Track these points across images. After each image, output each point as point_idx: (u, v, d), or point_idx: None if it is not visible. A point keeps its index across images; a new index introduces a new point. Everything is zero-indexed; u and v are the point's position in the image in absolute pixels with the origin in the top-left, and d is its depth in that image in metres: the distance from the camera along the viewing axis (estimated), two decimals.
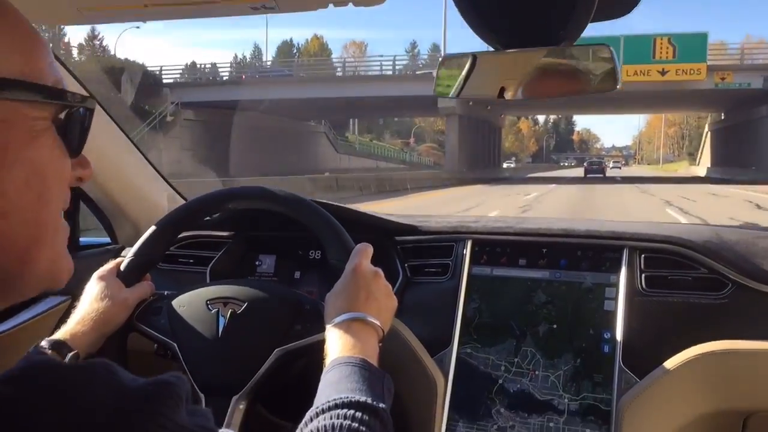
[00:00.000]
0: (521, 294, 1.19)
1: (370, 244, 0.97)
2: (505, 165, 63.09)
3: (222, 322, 0.98)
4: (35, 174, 0.50)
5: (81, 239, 1.58)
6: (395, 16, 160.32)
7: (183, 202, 1.64)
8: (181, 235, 1.22)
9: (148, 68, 35.93)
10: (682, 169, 66.44)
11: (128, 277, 1.03)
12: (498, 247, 1.25)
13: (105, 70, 31.10)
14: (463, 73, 1.00)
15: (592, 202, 18.34)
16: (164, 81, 36.01)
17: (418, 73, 37.83)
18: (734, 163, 38.38)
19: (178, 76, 40.15)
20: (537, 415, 1.10)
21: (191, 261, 1.42)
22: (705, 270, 1.14)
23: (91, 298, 0.99)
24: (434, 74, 1.02)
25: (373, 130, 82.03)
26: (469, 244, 1.26)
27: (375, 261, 0.96)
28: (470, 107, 35.01)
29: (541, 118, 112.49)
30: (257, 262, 1.40)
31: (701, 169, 50.26)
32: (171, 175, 1.79)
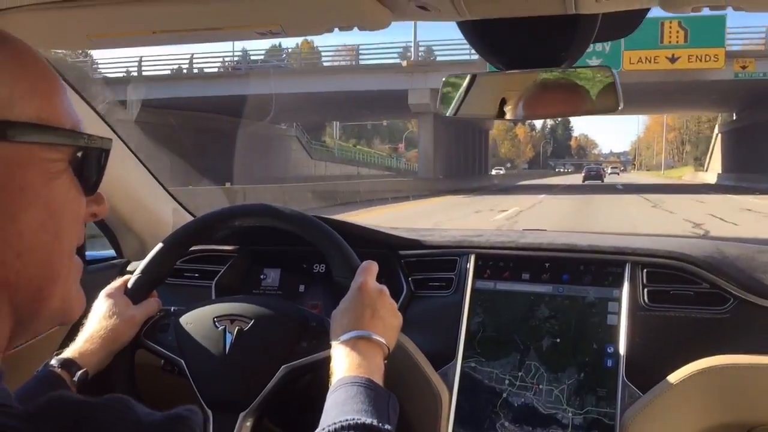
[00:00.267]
0: (524, 308, 1.20)
1: (374, 259, 0.98)
2: (493, 172, 58.24)
3: (229, 339, 0.99)
4: (51, 215, 0.50)
5: (87, 253, 1.59)
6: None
7: (187, 215, 1.65)
8: None
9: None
10: (688, 175, 59.53)
11: (135, 294, 1.05)
12: (501, 261, 1.26)
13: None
14: (461, 91, 1.02)
15: (588, 228, 13.99)
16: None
17: (384, 62, 30.67)
18: (750, 169, 33.00)
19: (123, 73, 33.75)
20: (541, 428, 1.11)
21: (196, 275, 1.43)
22: (707, 285, 1.15)
23: (100, 315, 1.00)
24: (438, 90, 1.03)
25: (362, 136, 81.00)
26: (472, 258, 1.27)
27: (379, 276, 0.97)
28: None
29: (538, 123, 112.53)
30: (262, 276, 1.41)
31: (710, 175, 44.89)
32: None
